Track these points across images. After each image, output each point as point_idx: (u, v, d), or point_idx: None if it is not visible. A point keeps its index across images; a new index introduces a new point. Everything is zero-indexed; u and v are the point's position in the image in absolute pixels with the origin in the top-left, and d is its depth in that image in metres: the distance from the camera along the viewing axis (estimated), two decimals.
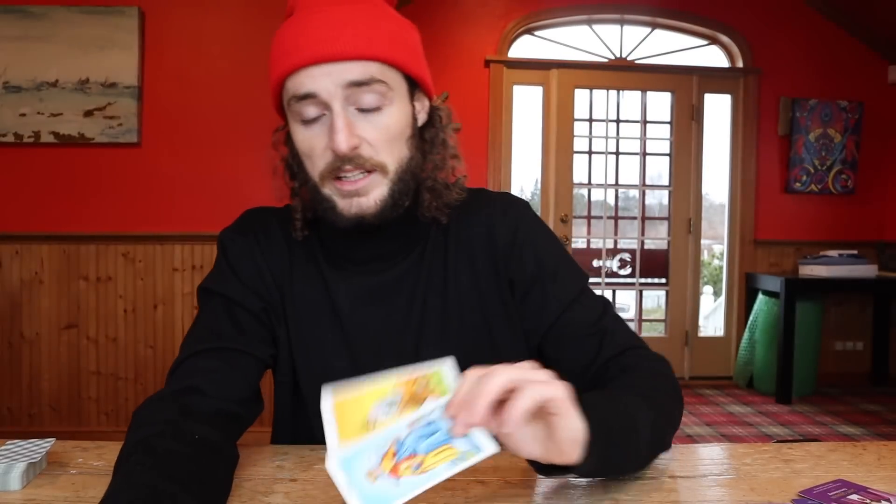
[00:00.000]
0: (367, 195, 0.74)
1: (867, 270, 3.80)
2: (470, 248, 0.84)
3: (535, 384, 0.52)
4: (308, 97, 0.72)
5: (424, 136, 0.83)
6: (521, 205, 0.87)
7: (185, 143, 2.89)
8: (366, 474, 0.50)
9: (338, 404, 0.56)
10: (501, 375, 0.52)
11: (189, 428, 0.64)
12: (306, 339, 0.82)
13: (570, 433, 0.54)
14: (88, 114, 2.82)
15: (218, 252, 0.85)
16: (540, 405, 0.52)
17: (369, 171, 0.73)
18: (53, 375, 2.88)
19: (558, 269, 0.83)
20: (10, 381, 2.87)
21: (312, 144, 0.74)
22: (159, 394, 0.71)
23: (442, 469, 0.50)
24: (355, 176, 0.73)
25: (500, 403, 0.52)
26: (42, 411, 2.88)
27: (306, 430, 0.83)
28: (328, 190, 0.75)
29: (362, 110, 0.73)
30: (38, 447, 0.71)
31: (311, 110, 0.73)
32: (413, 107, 0.79)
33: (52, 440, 0.73)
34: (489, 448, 0.51)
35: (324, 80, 0.71)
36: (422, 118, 0.82)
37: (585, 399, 0.57)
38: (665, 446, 0.72)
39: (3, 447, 0.71)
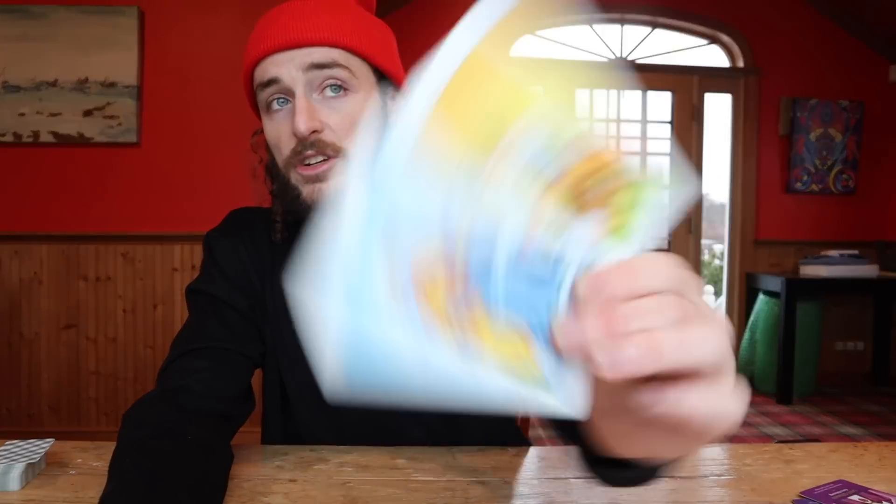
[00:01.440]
0: (328, 181, 0.73)
1: (868, 270, 3.79)
2: None
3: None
4: (271, 83, 0.73)
5: None
6: None
7: (185, 143, 2.89)
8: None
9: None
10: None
11: (181, 428, 0.63)
12: (285, 340, 0.82)
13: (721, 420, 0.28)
14: (88, 113, 2.82)
15: (204, 253, 0.86)
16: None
17: (331, 157, 0.73)
18: (53, 375, 2.88)
19: None
20: (10, 381, 2.87)
21: (279, 132, 0.75)
22: (149, 395, 0.70)
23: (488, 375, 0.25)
24: (317, 160, 0.73)
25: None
26: (41, 411, 2.88)
27: (294, 431, 0.83)
28: (294, 178, 0.75)
29: (326, 97, 0.73)
30: (38, 447, 0.71)
31: (275, 97, 0.74)
32: (384, 101, 0.79)
33: (51, 440, 0.73)
34: (572, 405, 0.26)
35: (287, 65, 0.72)
36: None
37: None
38: None
39: (3, 447, 0.71)
